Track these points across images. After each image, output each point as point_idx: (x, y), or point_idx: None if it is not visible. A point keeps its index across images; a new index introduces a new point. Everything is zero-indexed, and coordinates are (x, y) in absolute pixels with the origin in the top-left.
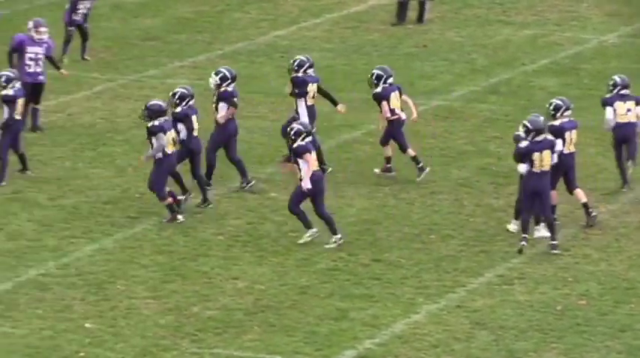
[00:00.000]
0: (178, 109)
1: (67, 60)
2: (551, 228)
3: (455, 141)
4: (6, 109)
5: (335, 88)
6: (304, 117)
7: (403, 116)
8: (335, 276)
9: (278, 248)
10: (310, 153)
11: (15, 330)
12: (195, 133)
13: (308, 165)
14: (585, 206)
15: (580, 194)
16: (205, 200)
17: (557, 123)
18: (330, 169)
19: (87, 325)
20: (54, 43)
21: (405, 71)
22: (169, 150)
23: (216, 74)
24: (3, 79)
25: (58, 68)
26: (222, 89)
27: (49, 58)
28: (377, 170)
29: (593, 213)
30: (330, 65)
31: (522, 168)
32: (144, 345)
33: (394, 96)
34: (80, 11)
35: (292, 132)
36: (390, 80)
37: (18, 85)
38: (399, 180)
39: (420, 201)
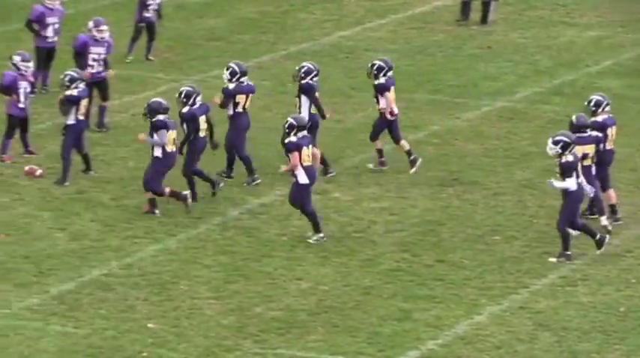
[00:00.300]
0: (185, 109)
1: (132, 58)
2: (586, 230)
3: (519, 142)
4: (70, 109)
5: (399, 89)
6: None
7: (396, 110)
8: (398, 277)
9: (341, 248)
10: (300, 150)
11: (78, 330)
12: (202, 134)
13: (294, 161)
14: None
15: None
16: (213, 186)
17: (599, 119)
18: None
19: (150, 325)
20: (114, 41)
21: (469, 72)
22: (169, 148)
23: (227, 69)
24: (67, 78)
25: (107, 68)
26: (225, 86)
27: (104, 58)
28: (370, 165)
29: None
30: (394, 66)
31: (573, 182)
32: (206, 345)
33: (392, 89)
34: (151, 7)
35: (286, 126)
36: (390, 73)
37: (82, 85)
38: (463, 182)
39: (483, 202)
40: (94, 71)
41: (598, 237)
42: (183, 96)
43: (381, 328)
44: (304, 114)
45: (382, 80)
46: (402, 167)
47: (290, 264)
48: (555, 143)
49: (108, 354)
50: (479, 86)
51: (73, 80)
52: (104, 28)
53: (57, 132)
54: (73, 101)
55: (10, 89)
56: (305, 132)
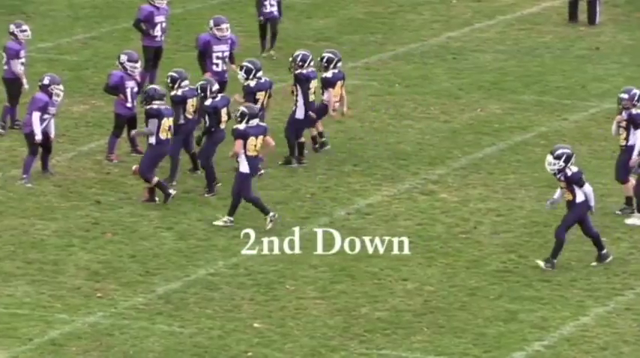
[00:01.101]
0: (208, 102)
1: (264, 55)
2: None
3: None
4: (178, 110)
5: (506, 89)
6: (302, 114)
7: (337, 106)
8: (505, 278)
9: (448, 249)
10: (246, 139)
11: (183, 330)
12: (222, 126)
13: (237, 149)
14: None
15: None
16: (210, 189)
17: None
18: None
19: (255, 325)
20: (237, 38)
21: (577, 73)
22: (163, 136)
23: (241, 68)
24: (168, 79)
25: (233, 62)
26: (246, 83)
27: (231, 54)
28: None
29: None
30: (502, 67)
31: (589, 187)
32: (312, 346)
33: (339, 84)
34: (267, 2)
35: (238, 114)
36: (339, 65)
37: (186, 84)
38: None
39: None
40: (218, 70)
41: (604, 251)
42: (199, 90)
43: (487, 329)
44: (301, 103)
45: (329, 74)
46: (508, 168)
47: (396, 265)
48: (558, 157)
49: (213, 354)
50: (586, 87)
51: (174, 80)
52: (225, 26)
53: None
54: (178, 101)
55: (117, 88)
56: (257, 121)
